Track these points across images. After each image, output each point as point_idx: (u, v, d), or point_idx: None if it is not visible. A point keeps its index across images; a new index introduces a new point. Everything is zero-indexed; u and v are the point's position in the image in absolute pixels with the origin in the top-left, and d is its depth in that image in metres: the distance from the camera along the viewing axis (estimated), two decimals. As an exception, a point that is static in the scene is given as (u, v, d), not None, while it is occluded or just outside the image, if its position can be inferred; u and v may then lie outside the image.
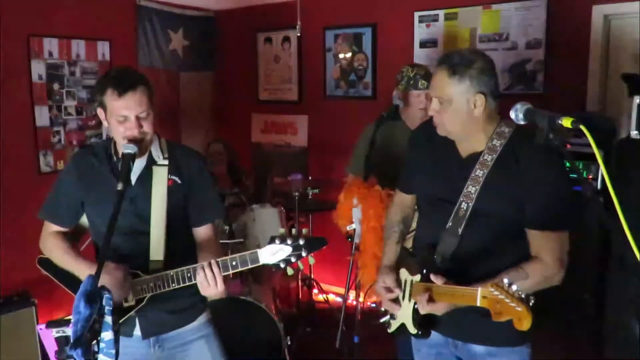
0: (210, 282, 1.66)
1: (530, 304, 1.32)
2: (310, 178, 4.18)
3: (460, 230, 1.63)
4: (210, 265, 1.66)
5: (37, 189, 2.05)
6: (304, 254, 1.60)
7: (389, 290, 1.79)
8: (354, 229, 2.54)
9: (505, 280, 1.36)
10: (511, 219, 1.61)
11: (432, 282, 1.60)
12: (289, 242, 1.60)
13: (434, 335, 1.76)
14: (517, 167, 1.58)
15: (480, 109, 1.60)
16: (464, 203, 1.63)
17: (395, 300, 1.79)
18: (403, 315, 1.79)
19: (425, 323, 1.72)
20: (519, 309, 1.32)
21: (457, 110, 1.61)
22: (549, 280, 1.58)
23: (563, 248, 1.59)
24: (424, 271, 1.69)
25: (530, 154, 1.56)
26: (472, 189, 1.62)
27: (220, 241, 3.31)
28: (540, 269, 1.56)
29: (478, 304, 1.43)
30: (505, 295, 1.34)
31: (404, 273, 1.81)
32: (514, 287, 1.34)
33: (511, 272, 1.54)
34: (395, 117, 2.76)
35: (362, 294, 2.71)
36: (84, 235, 2.01)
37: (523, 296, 1.33)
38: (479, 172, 1.62)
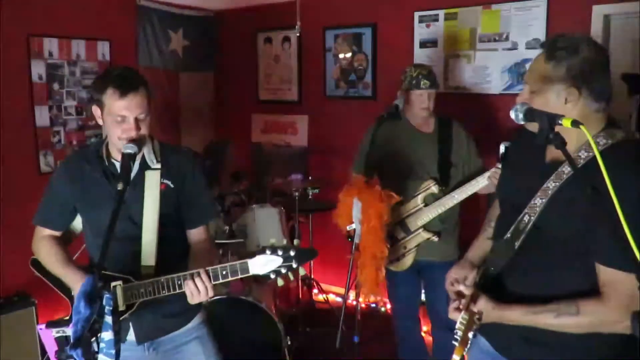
0: (200, 291, 1.64)
1: (468, 345, 1.41)
2: (310, 178, 4.18)
3: (516, 245, 1.49)
4: (199, 274, 1.64)
5: (37, 189, 2.04)
6: (294, 265, 1.59)
7: (456, 281, 1.68)
8: (354, 229, 2.53)
9: (477, 317, 1.38)
10: (575, 245, 1.40)
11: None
12: (279, 252, 1.59)
13: (486, 344, 1.67)
14: (594, 185, 1.26)
15: (571, 105, 1.39)
16: (526, 215, 1.47)
17: (459, 294, 1.62)
18: None
19: None
20: (455, 343, 1.41)
21: (546, 102, 1.42)
22: (606, 325, 1.36)
23: (634, 294, 1.24)
24: (481, 280, 1.63)
25: (616, 172, 1.21)
26: (538, 202, 1.45)
27: (221, 241, 3.32)
28: (597, 310, 1.36)
29: (457, 326, 1.47)
30: (464, 328, 1.41)
31: (478, 272, 1.73)
32: (475, 326, 1.41)
33: (562, 303, 1.39)
34: (395, 116, 2.76)
35: (361, 294, 2.71)
36: (75, 239, 2.01)
37: (470, 335, 1.40)
38: (551, 184, 1.42)
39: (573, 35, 1.41)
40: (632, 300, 1.28)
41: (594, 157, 1.24)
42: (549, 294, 1.43)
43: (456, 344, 1.39)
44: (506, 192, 1.68)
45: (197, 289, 1.64)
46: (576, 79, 1.38)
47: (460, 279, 1.66)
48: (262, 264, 1.60)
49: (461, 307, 1.51)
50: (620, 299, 1.32)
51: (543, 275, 1.49)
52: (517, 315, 1.46)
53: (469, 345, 1.39)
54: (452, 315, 1.52)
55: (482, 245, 1.79)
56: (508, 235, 1.53)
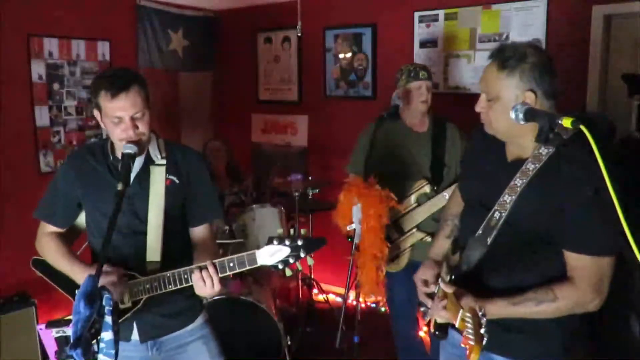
0: (206, 283, 1.64)
1: (484, 341, 1.35)
2: (310, 178, 4.18)
3: (489, 240, 1.55)
4: (206, 266, 1.64)
5: (37, 189, 2.04)
6: (302, 255, 1.58)
7: (425, 283, 1.72)
8: (354, 229, 2.54)
9: (480, 313, 1.36)
10: (545, 236, 1.49)
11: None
12: (287, 242, 1.58)
13: (459, 338, 1.70)
14: (557, 178, 1.44)
15: None
16: (497, 212, 1.53)
17: (430, 295, 1.70)
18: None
19: (444, 325, 1.64)
20: (471, 342, 1.35)
21: (505, 108, 1.49)
22: (580, 305, 1.48)
23: (601, 275, 1.45)
24: (453, 277, 1.64)
25: (574, 164, 1.40)
26: (507, 198, 1.52)
27: (221, 241, 3.32)
28: (571, 293, 1.46)
29: (456, 325, 1.43)
30: (472, 326, 1.36)
31: (444, 270, 1.75)
32: (484, 320, 1.36)
33: (539, 291, 1.47)
34: (395, 117, 2.76)
35: (361, 294, 2.71)
36: (79, 236, 2.00)
37: (483, 332, 1.35)
38: (518, 182, 1.50)
39: (518, 43, 1.56)
40: (599, 280, 1.45)
41: (554, 152, 1.44)
42: (523, 285, 1.50)
43: (472, 343, 1.35)
44: (472, 191, 1.74)
45: (204, 282, 1.63)
46: (530, 83, 1.48)
47: (429, 280, 1.70)
48: (270, 255, 1.59)
49: (444, 304, 1.52)
50: (589, 280, 1.45)
51: (515, 268, 1.55)
52: (498, 308, 1.50)
53: (484, 342, 1.35)
54: (439, 314, 1.54)
55: (442, 244, 1.85)
56: (480, 232, 1.57)
